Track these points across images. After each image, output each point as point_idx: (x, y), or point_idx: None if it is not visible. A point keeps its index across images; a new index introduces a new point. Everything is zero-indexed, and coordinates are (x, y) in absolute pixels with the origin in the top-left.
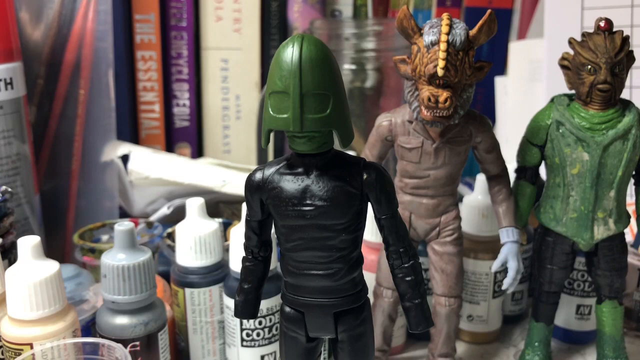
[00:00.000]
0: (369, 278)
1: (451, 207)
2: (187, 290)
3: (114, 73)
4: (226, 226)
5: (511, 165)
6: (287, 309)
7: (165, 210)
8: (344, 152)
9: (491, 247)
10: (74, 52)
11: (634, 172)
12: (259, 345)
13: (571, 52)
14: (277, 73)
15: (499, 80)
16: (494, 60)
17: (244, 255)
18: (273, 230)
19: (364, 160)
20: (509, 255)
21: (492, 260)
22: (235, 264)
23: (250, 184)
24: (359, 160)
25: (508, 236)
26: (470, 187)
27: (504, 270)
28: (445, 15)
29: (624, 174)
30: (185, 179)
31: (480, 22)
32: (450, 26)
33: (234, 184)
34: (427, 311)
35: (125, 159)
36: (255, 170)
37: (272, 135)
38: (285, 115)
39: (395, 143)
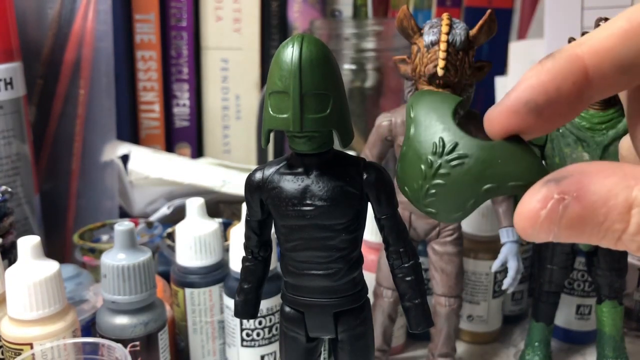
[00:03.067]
0: (369, 278)
1: None
2: (187, 290)
3: (114, 73)
4: (226, 226)
5: None
6: (287, 309)
7: (165, 210)
8: (343, 152)
9: (491, 247)
10: (74, 52)
11: None
12: (259, 345)
13: None
14: (277, 73)
15: (499, 80)
16: (494, 60)
17: (244, 255)
18: (273, 230)
19: (364, 160)
20: (509, 255)
21: (492, 260)
22: (235, 264)
23: (250, 184)
24: (359, 160)
25: (508, 236)
26: None
27: (504, 270)
28: (445, 15)
29: None
30: (185, 179)
31: (480, 22)
32: (450, 26)
33: (234, 184)
34: (427, 311)
35: (125, 159)
36: (255, 170)
37: (272, 135)
38: (285, 115)
39: (395, 143)
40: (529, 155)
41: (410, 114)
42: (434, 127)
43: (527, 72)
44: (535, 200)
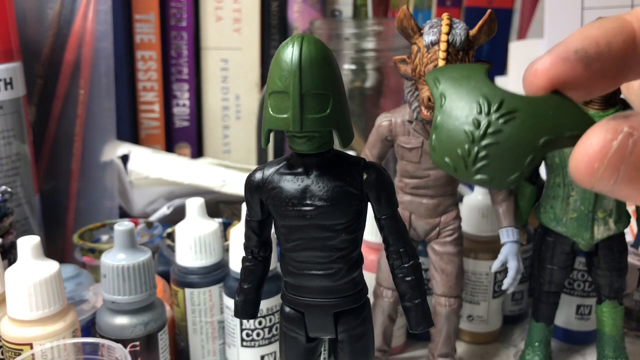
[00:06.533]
0: (369, 278)
1: (451, 207)
2: (187, 290)
3: (114, 73)
4: (226, 226)
5: None
6: (287, 309)
7: (165, 210)
8: (344, 152)
9: (491, 247)
10: (74, 52)
11: None
12: (259, 345)
13: None
14: (277, 73)
15: (499, 80)
16: (494, 60)
17: (244, 255)
18: (273, 230)
19: (364, 160)
20: (509, 255)
21: (492, 260)
22: (235, 264)
23: (250, 184)
24: (359, 160)
25: (508, 236)
26: (471, 187)
27: (504, 270)
28: (445, 15)
29: None
30: (185, 179)
31: (480, 22)
32: (450, 26)
33: (234, 184)
34: (427, 311)
35: (125, 159)
36: (255, 170)
37: (272, 135)
38: (285, 115)
39: (395, 143)
40: (577, 107)
41: (437, 85)
42: (471, 91)
43: (574, 31)
44: (605, 131)
